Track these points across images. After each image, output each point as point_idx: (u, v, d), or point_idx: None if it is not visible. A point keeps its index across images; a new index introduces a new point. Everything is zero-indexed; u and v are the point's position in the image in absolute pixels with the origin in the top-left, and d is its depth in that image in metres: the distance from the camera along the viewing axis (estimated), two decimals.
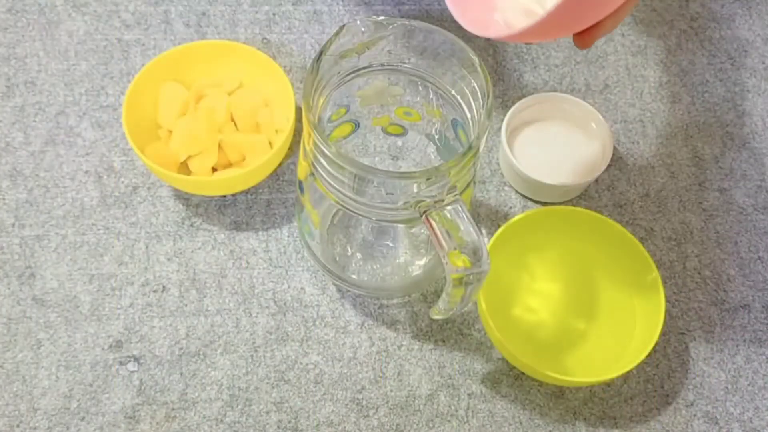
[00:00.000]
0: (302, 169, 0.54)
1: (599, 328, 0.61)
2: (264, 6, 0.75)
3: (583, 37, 0.47)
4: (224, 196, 0.66)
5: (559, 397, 0.60)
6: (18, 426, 0.57)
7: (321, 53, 0.48)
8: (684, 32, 0.77)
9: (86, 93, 0.70)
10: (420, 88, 0.53)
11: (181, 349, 0.60)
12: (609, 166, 0.69)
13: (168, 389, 0.58)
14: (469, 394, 0.59)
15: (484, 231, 0.66)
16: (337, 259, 0.61)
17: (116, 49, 0.72)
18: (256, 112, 0.66)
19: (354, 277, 0.60)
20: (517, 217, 0.61)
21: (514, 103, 0.67)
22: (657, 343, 0.59)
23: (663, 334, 0.62)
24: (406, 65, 0.52)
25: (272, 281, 0.63)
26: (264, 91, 0.66)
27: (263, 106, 0.66)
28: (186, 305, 0.61)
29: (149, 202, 0.65)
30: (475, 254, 0.46)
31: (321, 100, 0.51)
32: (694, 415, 0.60)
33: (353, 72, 0.52)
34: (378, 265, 0.61)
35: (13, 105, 0.69)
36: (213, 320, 0.61)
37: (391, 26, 0.50)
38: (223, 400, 0.58)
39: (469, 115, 0.51)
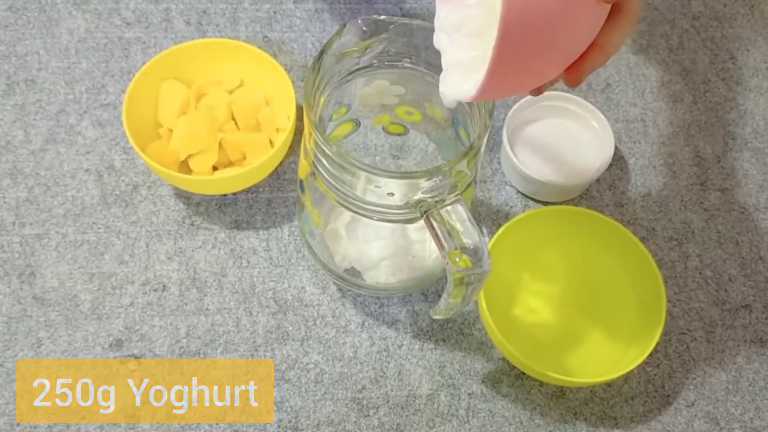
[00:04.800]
0: (303, 168, 0.54)
1: (600, 328, 0.61)
2: (265, 4, 0.75)
3: (571, 76, 0.44)
4: (225, 195, 0.66)
5: (559, 397, 0.60)
6: (18, 425, 0.56)
7: (322, 52, 0.48)
8: (686, 31, 0.77)
9: (87, 91, 0.70)
10: (421, 87, 0.53)
11: (182, 348, 0.60)
12: (610, 165, 0.69)
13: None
14: (469, 394, 0.59)
15: (485, 230, 0.66)
16: (338, 258, 0.61)
17: (117, 47, 0.72)
18: (256, 111, 0.66)
19: (355, 276, 0.60)
20: (518, 217, 0.61)
21: (515, 102, 0.67)
22: (658, 343, 0.59)
23: (664, 334, 0.62)
24: (407, 64, 0.52)
25: (273, 280, 0.63)
26: (265, 90, 0.66)
27: (264, 105, 0.66)
28: (186, 304, 0.61)
29: (150, 201, 0.65)
30: (476, 254, 0.45)
31: (322, 99, 0.51)
32: (695, 416, 0.60)
33: (354, 71, 0.52)
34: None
35: (13, 103, 0.69)
36: (213, 319, 0.61)
37: (392, 25, 0.49)
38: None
39: (470, 115, 0.51)
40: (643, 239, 0.66)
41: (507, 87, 0.43)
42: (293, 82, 0.64)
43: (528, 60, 0.40)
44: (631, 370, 0.57)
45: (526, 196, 0.67)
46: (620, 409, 0.60)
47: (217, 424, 0.57)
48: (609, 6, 0.42)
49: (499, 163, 0.69)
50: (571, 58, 0.43)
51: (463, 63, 0.44)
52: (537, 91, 0.46)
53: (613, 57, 0.74)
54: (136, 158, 0.67)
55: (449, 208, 0.47)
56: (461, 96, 0.44)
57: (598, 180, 0.68)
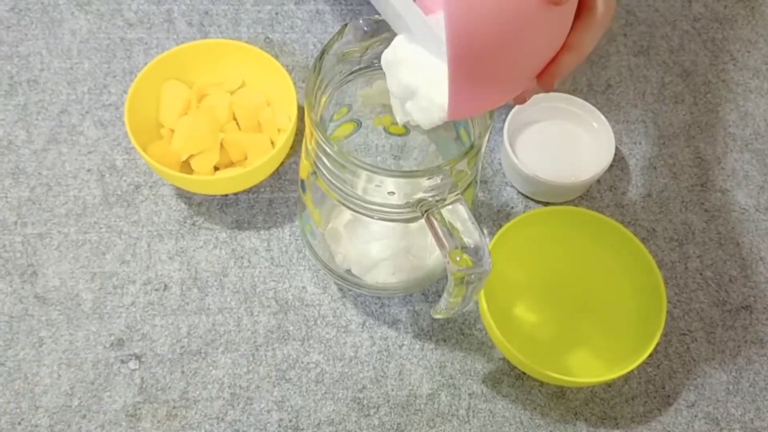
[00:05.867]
0: (304, 168, 0.55)
1: (600, 328, 0.61)
2: (266, 5, 0.75)
3: (542, 80, 0.43)
4: (226, 195, 0.66)
5: (560, 397, 0.60)
6: (20, 424, 0.57)
7: (323, 52, 0.49)
8: (686, 33, 0.77)
9: (89, 91, 0.70)
10: None
11: (183, 347, 0.60)
12: (611, 166, 0.69)
13: (169, 387, 0.58)
14: (470, 394, 0.59)
15: (485, 230, 0.66)
16: (339, 258, 0.61)
17: (119, 47, 0.72)
18: (258, 111, 0.66)
19: (355, 276, 0.60)
20: (518, 217, 0.61)
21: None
22: (658, 344, 0.59)
23: (664, 334, 0.62)
24: None
25: (274, 280, 0.63)
26: (266, 90, 0.66)
27: (265, 105, 0.66)
28: (187, 304, 0.61)
29: (151, 201, 0.65)
30: (477, 254, 0.46)
31: (323, 99, 0.51)
32: (696, 416, 0.60)
33: (355, 71, 0.52)
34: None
35: (16, 103, 0.69)
36: (214, 319, 0.61)
37: None
38: (224, 398, 0.58)
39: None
40: (643, 240, 0.66)
41: (476, 105, 0.43)
42: (294, 83, 0.64)
43: (488, 77, 0.40)
44: (632, 371, 0.57)
45: (527, 197, 0.67)
46: (621, 409, 0.60)
47: (217, 424, 0.57)
48: (571, 7, 0.41)
49: (500, 163, 0.69)
50: (540, 64, 0.42)
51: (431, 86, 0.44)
52: (520, 100, 0.46)
53: (613, 59, 0.75)
54: (137, 158, 0.67)
55: (450, 207, 0.47)
56: (435, 120, 0.44)
57: (598, 181, 0.68)
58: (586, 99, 0.68)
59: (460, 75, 0.38)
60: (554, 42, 0.42)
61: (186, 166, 0.64)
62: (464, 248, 0.46)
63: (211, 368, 0.59)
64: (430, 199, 0.47)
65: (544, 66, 0.43)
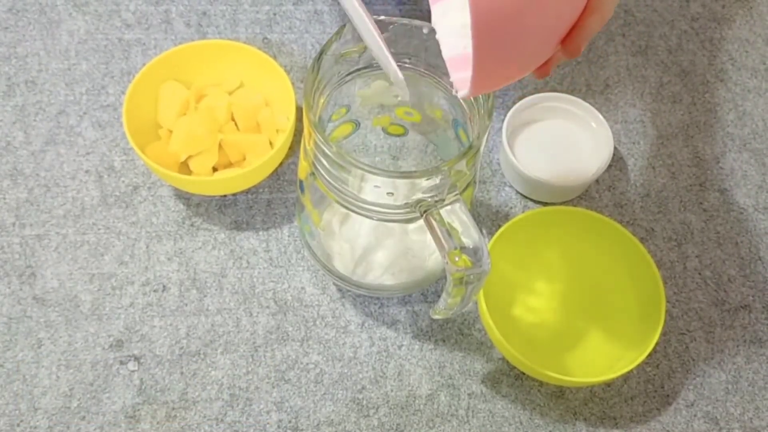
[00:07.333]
0: (303, 169, 0.55)
1: (599, 328, 0.61)
2: (265, 6, 0.75)
3: (568, 46, 0.43)
4: (225, 196, 0.66)
5: (559, 397, 0.60)
6: (18, 425, 0.57)
7: (322, 53, 0.49)
8: (685, 32, 0.77)
9: (87, 92, 0.70)
10: (421, 88, 0.53)
11: (182, 348, 0.60)
12: (609, 166, 0.69)
13: (168, 389, 0.58)
14: (469, 394, 0.59)
15: (484, 231, 0.66)
16: (338, 258, 0.61)
17: (117, 48, 0.72)
18: (256, 112, 0.66)
19: (354, 277, 0.60)
20: (517, 217, 0.61)
21: (514, 103, 0.67)
22: (657, 344, 0.59)
23: (663, 334, 0.62)
24: (406, 65, 0.52)
25: (273, 281, 0.63)
26: (264, 91, 0.66)
27: (264, 106, 0.66)
28: (186, 305, 0.61)
29: (150, 202, 0.65)
30: (476, 254, 0.46)
31: (322, 100, 0.51)
32: (695, 416, 0.60)
33: (354, 72, 0.52)
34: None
35: (13, 104, 0.69)
36: (213, 320, 0.61)
37: (391, 26, 0.50)
38: (223, 399, 0.58)
39: (469, 115, 0.51)
40: (642, 240, 0.66)
41: (499, 77, 0.42)
42: (293, 83, 0.64)
43: (512, 46, 0.39)
44: (631, 370, 0.57)
45: (526, 197, 0.67)
46: (620, 409, 0.60)
47: (216, 425, 0.57)
48: None
49: (499, 164, 0.69)
50: (563, 29, 0.41)
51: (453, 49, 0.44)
52: (544, 71, 0.45)
53: (611, 58, 0.75)
54: (136, 159, 0.67)
55: (449, 207, 0.47)
56: (462, 95, 0.44)
57: (597, 180, 0.68)
58: (584, 99, 0.68)
59: (484, 46, 0.37)
60: (577, 5, 0.41)
61: (184, 167, 0.64)
62: (463, 249, 0.46)
63: (210, 369, 0.59)
64: (429, 199, 0.47)
65: (567, 31, 0.42)
